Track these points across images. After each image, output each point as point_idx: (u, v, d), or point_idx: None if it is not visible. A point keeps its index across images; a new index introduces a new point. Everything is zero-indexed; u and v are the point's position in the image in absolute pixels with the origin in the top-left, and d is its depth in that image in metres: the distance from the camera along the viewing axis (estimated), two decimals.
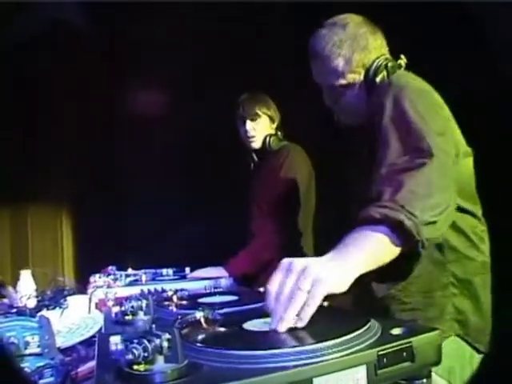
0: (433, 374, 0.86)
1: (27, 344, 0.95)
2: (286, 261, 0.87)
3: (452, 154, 1.16)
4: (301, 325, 0.82)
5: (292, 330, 0.84)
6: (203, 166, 3.23)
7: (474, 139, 1.36)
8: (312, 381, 0.68)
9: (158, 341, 0.64)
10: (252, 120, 2.20)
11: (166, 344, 0.64)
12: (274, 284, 0.86)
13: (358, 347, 0.75)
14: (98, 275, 1.79)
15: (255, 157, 2.28)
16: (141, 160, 3.46)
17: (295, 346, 0.74)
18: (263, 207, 2.14)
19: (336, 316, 0.89)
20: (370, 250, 0.92)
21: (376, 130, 1.23)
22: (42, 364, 0.84)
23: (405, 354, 0.78)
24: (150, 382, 0.64)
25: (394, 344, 0.77)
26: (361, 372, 0.73)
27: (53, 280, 1.71)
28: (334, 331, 0.79)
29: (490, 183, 1.40)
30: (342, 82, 1.39)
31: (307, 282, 0.82)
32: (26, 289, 1.64)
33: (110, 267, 1.96)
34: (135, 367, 0.65)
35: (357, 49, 1.36)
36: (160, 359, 0.65)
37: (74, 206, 3.55)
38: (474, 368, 1.29)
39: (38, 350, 0.93)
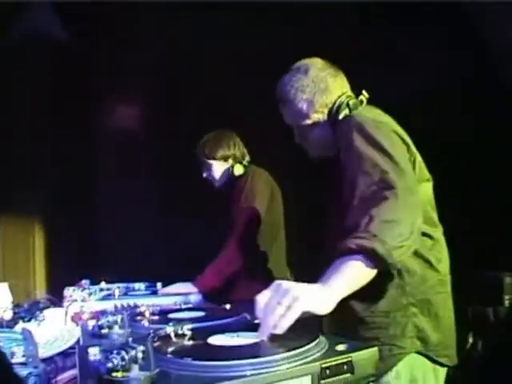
0: None
1: (13, 354, 1.06)
2: (276, 282, 1.07)
3: (411, 181, 1.29)
4: (279, 332, 0.99)
5: (252, 344, 0.97)
6: (179, 180, 3.30)
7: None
8: None
9: (133, 352, 0.76)
10: (205, 167, 2.41)
11: (140, 355, 0.76)
12: (263, 298, 1.05)
13: (304, 360, 0.88)
14: (72, 288, 1.86)
15: (224, 189, 2.43)
16: (114, 173, 3.55)
17: (251, 358, 0.87)
18: (231, 226, 2.26)
19: (293, 333, 1.02)
20: (351, 275, 1.12)
21: (343, 163, 1.36)
22: (27, 372, 0.94)
23: (345, 366, 0.92)
24: None
25: (337, 358, 0.91)
26: (306, 381, 0.86)
27: (29, 293, 1.78)
28: (286, 346, 0.92)
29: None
30: (308, 122, 1.52)
31: (287, 299, 1.01)
32: (2, 301, 1.69)
33: (83, 281, 2.02)
34: (114, 374, 0.76)
35: (318, 91, 1.49)
36: (135, 367, 0.77)
37: (46, 218, 3.58)
38: (439, 378, 1.40)
39: (23, 360, 1.03)
